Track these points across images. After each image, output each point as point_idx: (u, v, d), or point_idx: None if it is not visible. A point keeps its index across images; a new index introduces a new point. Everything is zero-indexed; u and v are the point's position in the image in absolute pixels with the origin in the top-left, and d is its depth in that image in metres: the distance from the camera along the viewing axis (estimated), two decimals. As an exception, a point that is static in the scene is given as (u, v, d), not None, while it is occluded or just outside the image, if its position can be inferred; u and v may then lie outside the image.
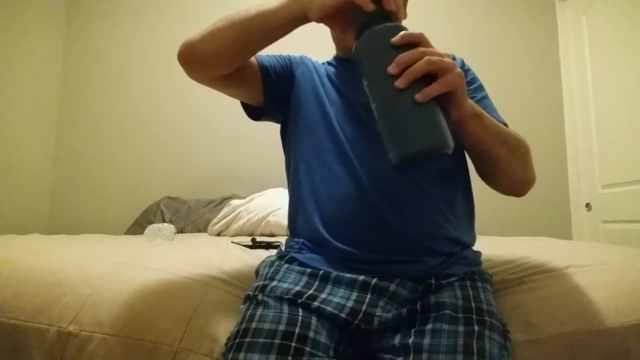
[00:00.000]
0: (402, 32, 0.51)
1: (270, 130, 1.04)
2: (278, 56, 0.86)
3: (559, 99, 2.32)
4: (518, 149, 0.69)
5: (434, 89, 0.49)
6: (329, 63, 0.88)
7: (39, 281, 0.68)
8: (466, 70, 0.81)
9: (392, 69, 0.49)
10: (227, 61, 0.73)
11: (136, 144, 2.53)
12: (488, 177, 0.73)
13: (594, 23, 2.11)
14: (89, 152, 2.55)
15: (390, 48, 0.51)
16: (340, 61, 0.87)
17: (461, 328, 0.56)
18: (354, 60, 0.55)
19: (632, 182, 1.84)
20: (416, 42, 0.51)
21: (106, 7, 2.66)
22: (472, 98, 0.77)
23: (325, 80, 0.83)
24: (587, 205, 2.13)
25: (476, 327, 0.56)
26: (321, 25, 0.67)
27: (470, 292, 0.62)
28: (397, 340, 0.58)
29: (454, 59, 0.81)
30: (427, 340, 0.55)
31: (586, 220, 2.14)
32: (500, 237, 1.48)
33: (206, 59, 0.73)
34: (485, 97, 0.80)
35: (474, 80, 0.81)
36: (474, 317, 0.58)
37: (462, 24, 2.42)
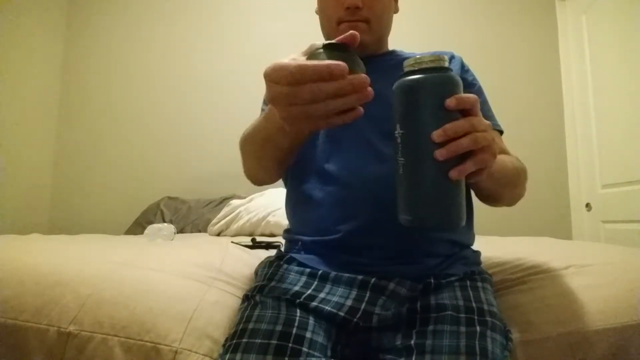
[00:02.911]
0: (459, 96, 0.47)
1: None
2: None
3: (559, 99, 2.32)
4: (516, 184, 0.70)
5: (469, 167, 0.47)
6: None
7: (39, 281, 0.68)
8: (466, 71, 0.81)
9: (437, 136, 0.46)
10: (275, 170, 0.77)
11: (136, 144, 2.53)
12: (481, 200, 0.75)
13: (594, 23, 2.11)
14: (89, 152, 2.55)
15: (440, 106, 0.47)
16: None
17: (463, 329, 0.56)
18: (393, 94, 0.51)
19: (632, 182, 1.84)
20: (468, 107, 0.48)
21: (106, 7, 2.66)
22: None
23: None
24: (587, 205, 2.13)
25: (478, 328, 0.56)
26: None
27: (471, 292, 0.62)
28: (398, 341, 0.58)
29: (452, 57, 0.81)
30: (429, 341, 0.55)
31: (586, 220, 2.14)
32: (500, 237, 1.48)
33: (262, 179, 0.81)
34: (485, 102, 0.80)
35: (474, 82, 0.81)
36: (476, 317, 0.58)
37: (462, 24, 2.43)
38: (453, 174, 0.47)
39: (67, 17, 2.67)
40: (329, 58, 0.45)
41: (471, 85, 0.80)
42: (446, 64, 0.49)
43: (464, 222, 0.48)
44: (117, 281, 0.68)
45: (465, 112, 0.48)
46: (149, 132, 2.53)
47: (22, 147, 2.35)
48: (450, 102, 0.47)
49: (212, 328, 0.63)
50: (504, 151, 0.77)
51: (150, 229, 1.38)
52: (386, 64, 0.81)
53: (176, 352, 0.59)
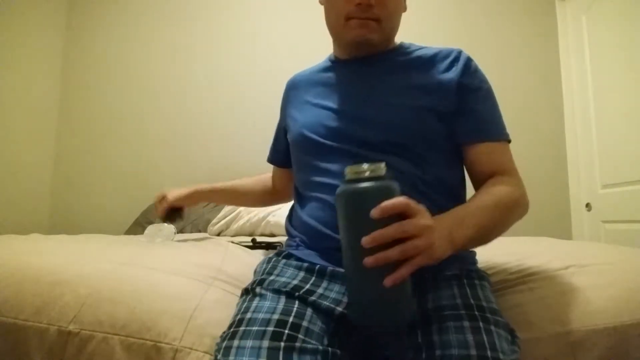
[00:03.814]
0: (384, 205, 0.48)
1: (271, 130, 1.05)
2: (277, 133, 1.00)
3: (559, 99, 2.32)
4: (505, 223, 0.69)
5: (403, 274, 0.48)
6: (322, 67, 0.89)
7: (39, 281, 0.68)
8: (472, 73, 0.77)
9: (365, 243, 0.47)
10: (264, 201, 1.15)
11: (136, 144, 2.53)
12: None
13: (594, 23, 2.12)
14: (89, 152, 2.55)
15: (369, 213, 0.48)
16: (327, 67, 0.87)
17: (466, 323, 0.56)
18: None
19: (632, 182, 1.84)
20: (396, 214, 0.48)
21: (106, 7, 2.66)
22: (472, 111, 0.74)
23: (302, 93, 0.86)
24: (587, 205, 2.13)
25: (481, 324, 0.56)
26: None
27: (469, 290, 0.62)
28: (402, 338, 0.58)
29: (457, 58, 0.78)
30: (436, 337, 0.55)
31: (586, 220, 2.14)
32: (500, 237, 1.48)
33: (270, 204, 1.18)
34: (492, 106, 0.76)
35: (480, 86, 0.76)
36: (477, 313, 0.58)
37: (462, 24, 2.42)
38: (387, 282, 0.47)
39: (67, 17, 2.67)
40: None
41: (476, 90, 0.76)
42: (381, 173, 0.51)
43: (408, 319, 0.50)
44: (117, 280, 0.69)
45: (402, 215, 0.49)
46: (149, 132, 2.53)
47: (22, 147, 2.35)
48: (374, 212, 0.48)
49: (212, 326, 0.63)
50: (505, 169, 0.73)
51: (150, 229, 1.38)
52: (390, 62, 0.80)
53: (176, 350, 0.59)
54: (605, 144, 2.03)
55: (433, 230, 0.51)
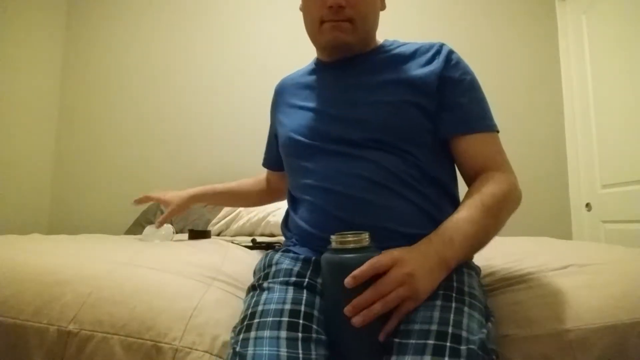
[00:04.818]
0: (354, 273, 0.52)
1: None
2: (269, 138, 1.04)
3: (559, 99, 2.32)
4: (501, 222, 0.69)
5: (392, 325, 0.53)
6: (307, 70, 0.91)
7: (38, 280, 0.68)
8: (453, 66, 0.75)
9: (348, 311, 0.51)
10: (259, 201, 1.20)
11: (136, 144, 2.53)
12: None
13: (594, 23, 2.12)
14: (89, 152, 2.55)
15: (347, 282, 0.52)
16: (312, 70, 0.89)
17: (438, 302, 0.55)
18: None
19: (632, 182, 1.84)
20: (370, 276, 0.52)
21: (106, 7, 2.66)
22: (455, 104, 0.73)
23: (289, 97, 0.88)
24: (587, 205, 2.13)
25: (454, 304, 0.56)
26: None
27: (454, 275, 0.62)
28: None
29: (440, 48, 0.77)
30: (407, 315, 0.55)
31: (586, 220, 2.14)
32: (500, 237, 1.47)
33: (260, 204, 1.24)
34: (477, 98, 0.75)
35: (463, 78, 0.75)
36: (454, 294, 0.57)
37: (462, 24, 2.42)
38: (381, 337, 0.53)
39: (66, 17, 2.67)
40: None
41: (458, 82, 0.74)
42: (364, 243, 0.55)
43: None
44: (117, 280, 0.69)
45: (379, 275, 0.52)
46: (149, 133, 2.53)
47: (22, 147, 2.35)
48: (347, 281, 0.51)
49: (212, 326, 0.63)
50: (494, 161, 0.72)
51: (149, 229, 1.37)
52: (370, 62, 0.80)
53: (176, 349, 0.59)
54: (605, 144, 2.03)
55: (413, 276, 0.53)
